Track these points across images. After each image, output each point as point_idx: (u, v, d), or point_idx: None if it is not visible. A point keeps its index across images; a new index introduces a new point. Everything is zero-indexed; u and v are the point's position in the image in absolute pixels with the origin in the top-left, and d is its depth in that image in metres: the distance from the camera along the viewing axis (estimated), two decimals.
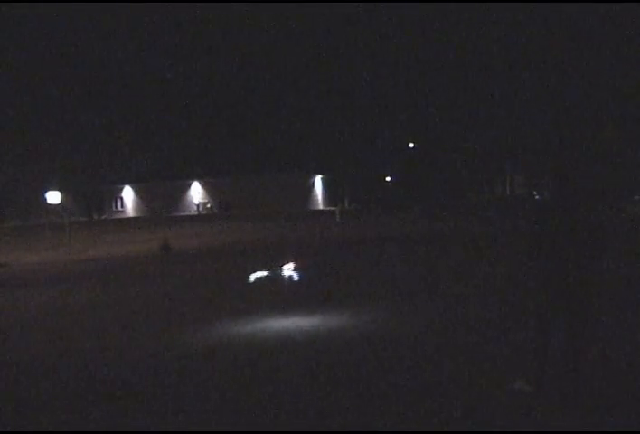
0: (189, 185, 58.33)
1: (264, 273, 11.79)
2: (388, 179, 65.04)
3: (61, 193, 32.12)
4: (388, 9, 71.50)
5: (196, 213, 54.39)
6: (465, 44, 67.37)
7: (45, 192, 31.93)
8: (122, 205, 60.47)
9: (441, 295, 10.20)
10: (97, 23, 71.27)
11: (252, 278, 11.75)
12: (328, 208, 53.55)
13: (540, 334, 5.19)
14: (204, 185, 58.01)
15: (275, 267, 11.97)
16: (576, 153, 46.47)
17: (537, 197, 57.16)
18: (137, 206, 59.84)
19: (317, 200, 59.95)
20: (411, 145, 63.25)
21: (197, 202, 57.20)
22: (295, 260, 11.97)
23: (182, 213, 55.38)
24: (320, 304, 9.92)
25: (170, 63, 78.28)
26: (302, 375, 6.12)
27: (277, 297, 10.62)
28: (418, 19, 77.09)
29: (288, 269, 11.50)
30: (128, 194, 60.37)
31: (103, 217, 56.59)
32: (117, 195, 60.33)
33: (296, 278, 11.38)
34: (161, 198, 57.24)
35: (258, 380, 6.07)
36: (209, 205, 56.81)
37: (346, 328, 8.13)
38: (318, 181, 59.98)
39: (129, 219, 51.78)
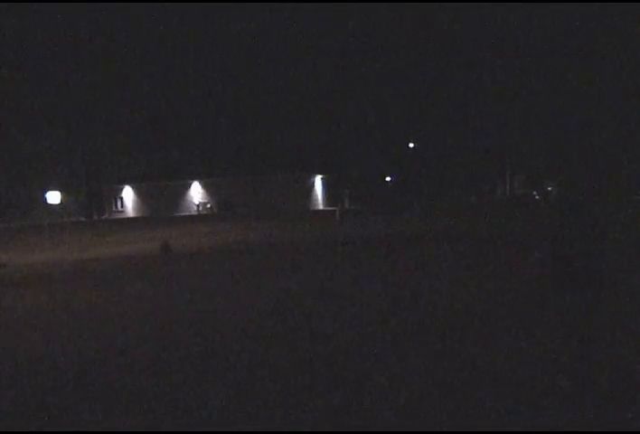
0: (189, 185, 58.28)
1: None
2: (388, 179, 65.04)
3: (61, 193, 32.10)
4: (390, 9, 71.46)
5: (196, 213, 54.38)
6: (467, 44, 67.28)
7: (45, 192, 31.91)
8: (122, 205, 60.43)
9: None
10: (97, 23, 71.20)
11: None
12: (328, 208, 53.54)
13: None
14: (204, 185, 57.97)
15: None
16: (578, 152, 46.48)
17: (537, 197, 57.17)
18: (137, 206, 59.80)
19: (317, 200, 59.90)
20: (411, 145, 63.24)
21: (197, 202, 57.19)
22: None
23: (182, 213, 55.38)
24: None
25: (170, 63, 78.17)
26: None
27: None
28: (419, 19, 76.99)
29: None
30: (128, 194, 60.33)
31: (103, 217, 56.56)
32: (117, 195, 60.30)
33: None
34: (161, 198, 57.25)
35: None
36: (209, 205, 56.79)
37: None
38: (318, 181, 59.94)
39: (129, 219, 51.76)
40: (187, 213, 55.28)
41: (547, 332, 6.91)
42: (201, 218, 46.06)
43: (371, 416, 5.03)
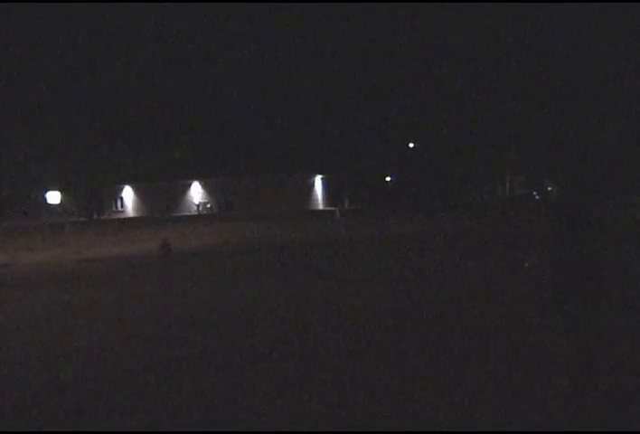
0: (189, 185, 58.27)
1: None
2: (388, 179, 65.01)
3: (61, 193, 32.10)
4: (388, 9, 71.49)
5: (196, 213, 54.38)
6: (466, 44, 67.27)
7: (45, 192, 31.92)
8: (122, 205, 60.43)
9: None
10: (97, 23, 71.26)
11: None
12: (328, 208, 53.54)
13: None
14: (204, 185, 57.97)
15: None
16: (579, 152, 46.34)
17: (537, 197, 57.12)
18: (137, 206, 59.80)
19: (317, 200, 59.88)
20: (411, 145, 63.21)
21: (197, 202, 57.17)
22: None
23: (182, 213, 55.38)
24: None
25: (170, 63, 78.19)
26: None
27: None
28: (418, 19, 77.05)
29: None
30: (128, 194, 60.33)
31: (103, 217, 56.56)
32: (117, 195, 60.29)
33: None
34: (161, 198, 57.25)
35: None
36: (209, 205, 56.77)
37: None
38: (318, 181, 59.92)
39: (129, 219, 51.77)
40: (187, 213, 55.29)
41: (546, 332, 6.92)
42: (201, 218, 46.06)
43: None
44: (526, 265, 5.45)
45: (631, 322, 7.50)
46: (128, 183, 59.59)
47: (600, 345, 5.71)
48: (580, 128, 48.06)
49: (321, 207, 58.42)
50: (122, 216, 56.86)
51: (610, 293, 5.35)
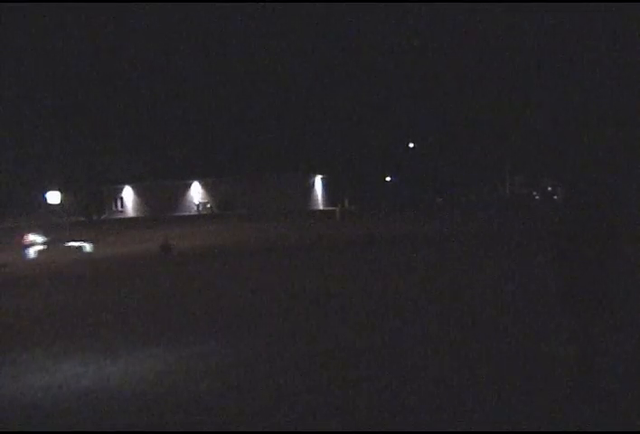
0: (189, 185, 58.26)
1: None
2: (388, 179, 65.06)
3: (61, 193, 32.11)
4: (389, 9, 71.53)
5: (196, 213, 54.36)
6: (466, 45, 67.29)
7: (45, 192, 31.92)
8: (122, 205, 60.42)
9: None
10: (96, 22, 71.25)
11: None
12: (328, 208, 53.54)
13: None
14: (204, 185, 57.95)
15: None
16: (584, 150, 46.10)
17: (537, 197, 57.12)
18: (137, 206, 59.79)
19: (317, 200, 59.88)
20: (411, 145, 63.25)
21: (197, 202, 57.16)
22: None
23: (182, 213, 55.36)
24: None
25: (170, 63, 78.24)
26: None
27: None
28: (418, 19, 77.08)
29: None
30: (128, 194, 60.32)
31: (103, 217, 56.53)
32: (117, 195, 60.28)
33: None
34: (161, 198, 57.24)
35: None
36: (209, 205, 56.75)
37: None
38: (318, 181, 59.91)
39: (129, 219, 51.78)
40: (187, 213, 55.27)
41: (551, 331, 6.93)
42: (201, 218, 46.07)
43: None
44: (535, 264, 5.45)
45: (633, 323, 7.48)
46: (128, 183, 59.57)
47: (602, 346, 5.71)
48: (587, 127, 47.93)
49: (321, 207, 58.41)
50: (122, 216, 56.85)
51: (615, 294, 5.33)
